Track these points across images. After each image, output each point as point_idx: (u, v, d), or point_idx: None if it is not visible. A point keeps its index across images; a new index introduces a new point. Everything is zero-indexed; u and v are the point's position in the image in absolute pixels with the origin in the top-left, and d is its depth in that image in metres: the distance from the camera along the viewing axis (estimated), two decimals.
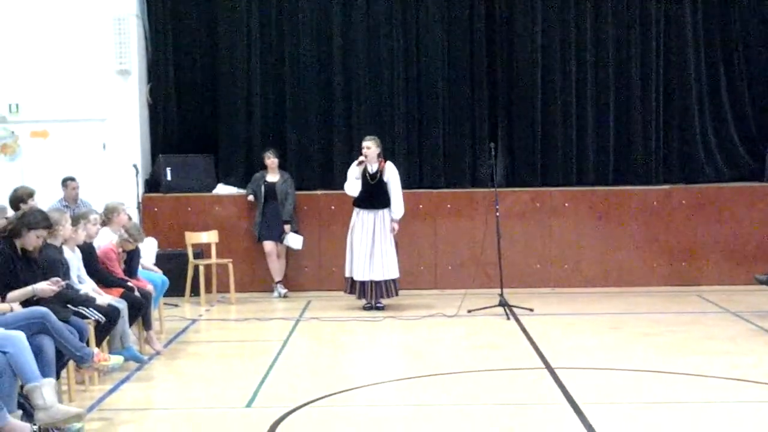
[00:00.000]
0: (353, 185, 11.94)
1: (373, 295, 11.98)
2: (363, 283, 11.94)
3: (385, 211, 11.96)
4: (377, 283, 11.94)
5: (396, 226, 11.97)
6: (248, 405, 7.80)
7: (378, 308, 12.02)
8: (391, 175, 11.98)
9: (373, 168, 11.92)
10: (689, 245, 13.57)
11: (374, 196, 11.92)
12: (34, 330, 7.09)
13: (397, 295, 12.11)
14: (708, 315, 11.56)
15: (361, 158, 11.86)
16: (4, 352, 6.71)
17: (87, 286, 8.81)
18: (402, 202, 12.00)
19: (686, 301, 12.48)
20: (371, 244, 11.88)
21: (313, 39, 14.07)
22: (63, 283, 7.71)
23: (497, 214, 11.82)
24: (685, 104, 14.05)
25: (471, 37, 14.04)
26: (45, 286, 7.51)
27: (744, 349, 9.61)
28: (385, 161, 12.03)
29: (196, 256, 13.09)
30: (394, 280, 12.03)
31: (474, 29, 14.03)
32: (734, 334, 10.37)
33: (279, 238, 13.17)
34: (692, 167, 14.04)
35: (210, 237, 13.17)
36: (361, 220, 11.95)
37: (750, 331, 10.48)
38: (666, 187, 13.79)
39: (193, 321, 11.67)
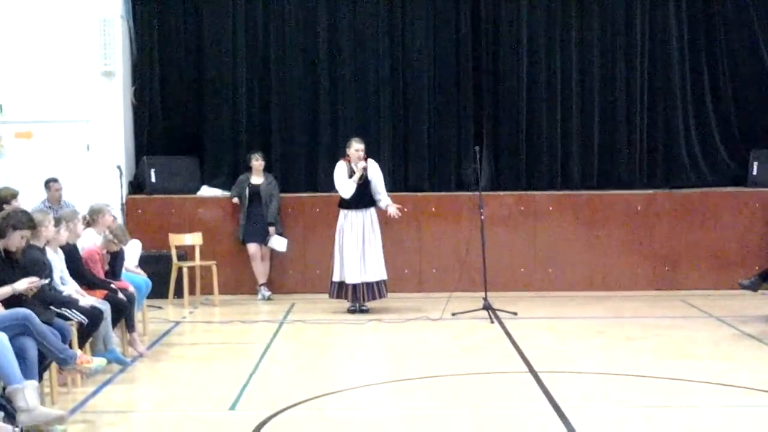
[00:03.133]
0: (349, 185, 11.89)
1: (364, 297, 11.97)
2: (355, 285, 11.93)
3: (372, 209, 11.99)
4: (368, 284, 11.94)
5: (395, 206, 11.97)
6: (232, 408, 7.77)
7: (363, 311, 12.01)
8: (375, 172, 12.01)
9: (367, 170, 11.92)
10: (673, 250, 13.61)
11: (362, 195, 11.93)
12: (17, 331, 7.05)
13: (386, 296, 12.13)
14: (691, 320, 11.59)
15: (363, 163, 11.84)
16: None
17: (70, 288, 8.77)
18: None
19: (670, 306, 12.50)
20: (362, 246, 11.88)
21: (298, 42, 14.06)
22: (40, 282, 7.66)
23: (482, 217, 11.82)
24: (668, 109, 14.10)
25: (456, 40, 14.07)
26: (24, 285, 7.47)
27: (728, 353, 9.64)
28: (366, 158, 12.03)
29: (180, 258, 13.05)
30: (384, 281, 12.05)
31: (459, 33, 14.05)
32: (718, 338, 10.40)
33: (263, 240, 13.14)
34: (676, 172, 14.09)
35: (194, 239, 13.14)
36: (350, 221, 11.94)
37: (733, 336, 10.51)
38: (650, 192, 13.83)
39: (177, 323, 11.63)
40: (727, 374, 8.64)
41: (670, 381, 8.46)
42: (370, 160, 12.09)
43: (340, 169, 12.01)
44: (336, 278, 12.06)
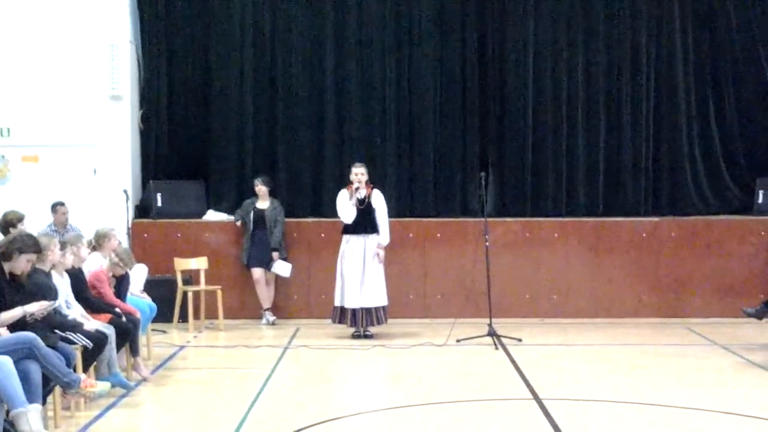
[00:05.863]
0: (349, 211, 11.93)
1: (363, 322, 11.97)
2: (354, 310, 11.93)
3: (374, 236, 12.00)
4: (367, 310, 11.94)
5: (381, 253, 11.97)
6: None
7: (367, 336, 12.00)
8: (379, 203, 12.02)
9: (362, 194, 11.95)
10: (678, 277, 13.60)
11: (364, 221, 11.94)
12: (21, 355, 7.06)
13: (386, 322, 12.11)
14: (696, 347, 11.57)
15: (357, 185, 11.88)
16: None
17: (75, 312, 8.77)
18: (388, 229, 12.05)
19: (674, 334, 12.48)
20: (362, 271, 11.89)
21: (305, 68, 14.12)
22: (51, 305, 7.68)
23: (487, 243, 11.83)
24: (674, 137, 14.12)
25: (462, 66, 14.11)
26: (36, 307, 7.48)
27: (733, 381, 9.62)
28: (372, 187, 12.07)
29: (185, 282, 13.07)
30: (384, 307, 12.04)
31: (466, 59, 14.11)
32: (723, 366, 10.38)
33: (268, 265, 13.15)
34: (681, 200, 14.09)
35: (199, 263, 13.15)
36: (351, 247, 11.96)
37: (738, 364, 10.48)
38: (655, 219, 13.83)
39: (181, 348, 11.63)
40: (733, 402, 8.61)
41: (675, 409, 8.43)
42: (375, 190, 12.11)
43: (342, 195, 12.05)
44: (337, 303, 12.07)
